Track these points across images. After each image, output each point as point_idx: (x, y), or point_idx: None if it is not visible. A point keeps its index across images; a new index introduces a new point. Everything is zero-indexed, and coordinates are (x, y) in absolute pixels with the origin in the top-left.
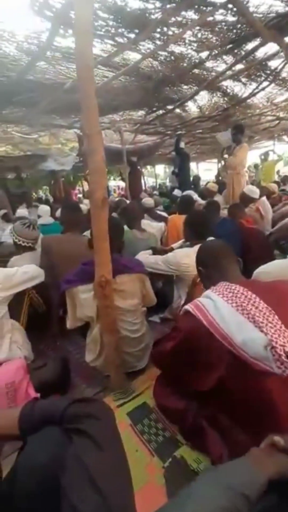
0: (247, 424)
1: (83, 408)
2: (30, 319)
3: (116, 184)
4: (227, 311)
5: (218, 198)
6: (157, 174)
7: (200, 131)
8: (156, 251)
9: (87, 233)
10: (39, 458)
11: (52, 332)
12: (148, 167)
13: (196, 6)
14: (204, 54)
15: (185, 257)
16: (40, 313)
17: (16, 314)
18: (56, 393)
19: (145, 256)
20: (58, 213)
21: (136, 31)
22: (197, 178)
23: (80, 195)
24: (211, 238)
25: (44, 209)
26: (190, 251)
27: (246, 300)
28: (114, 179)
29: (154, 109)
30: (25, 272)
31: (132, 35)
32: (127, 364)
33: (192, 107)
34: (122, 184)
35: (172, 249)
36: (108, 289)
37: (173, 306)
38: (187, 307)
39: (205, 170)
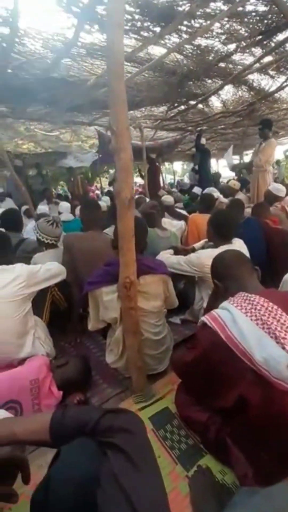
0: (271, 444)
1: (116, 421)
2: (52, 316)
3: (134, 180)
4: (246, 325)
5: (240, 196)
6: (175, 171)
7: (222, 126)
8: (177, 251)
9: (107, 231)
10: (75, 472)
11: (73, 329)
12: (166, 163)
13: None
14: (232, 47)
15: (209, 258)
16: (62, 310)
17: (39, 311)
18: (77, 391)
19: (166, 256)
20: (77, 210)
21: (162, 24)
22: (217, 175)
23: (98, 192)
24: (236, 239)
25: (65, 205)
26: (214, 252)
27: (267, 312)
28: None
29: (176, 104)
30: (48, 269)
31: (158, 29)
32: (147, 367)
33: (215, 102)
34: (139, 181)
35: (194, 249)
36: (133, 290)
37: (194, 308)
38: (204, 319)
39: (225, 167)
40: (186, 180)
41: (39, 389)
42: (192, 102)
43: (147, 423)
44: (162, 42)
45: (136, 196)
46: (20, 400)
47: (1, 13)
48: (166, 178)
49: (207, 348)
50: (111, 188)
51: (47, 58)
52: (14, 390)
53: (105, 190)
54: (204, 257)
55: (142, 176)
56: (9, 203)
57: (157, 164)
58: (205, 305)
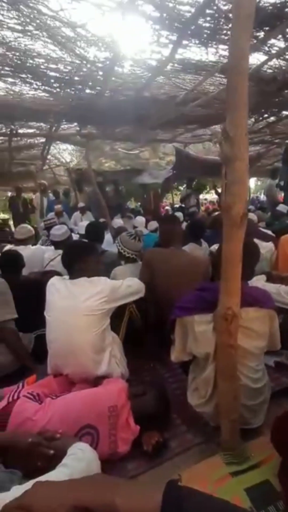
0: None
1: None
2: (126, 334)
3: (203, 197)
4: None
5: None
6: (249, 187)
7: None
8: (270, 278)
9: (186, 248)
10: None
11: (147, 351)
12: None
13: None
14: None
15: None
16: (136, 329)
17: (116, 327)
18: (153, 429)
19: (262, 283)
20: (150, 225)
21: (267, 28)
22: None
23: (168, 208)
24: None
25: (140, 220)
26: None
27: None
28: (207, 193)
29: (266, 115)
30: (129, 286)
31: (261, 34)
32: (240, 419)
33: None
34: (208, 197)
35: None
36: (234, 324)
37: None
38: None
39: None
40: (262, 197)
41: (117, 418)
42: (286, 112)
43: (243, 497)
44: (264, 47)
45: (216, 213)
46: (98, 426)
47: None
48: None
49: None
50: (182, 205)
51: (142, 77)
52: (92, 415)
53: (176, 206)
54: None
55: (217, 193)
56: (89, 216)
57: None
58: None
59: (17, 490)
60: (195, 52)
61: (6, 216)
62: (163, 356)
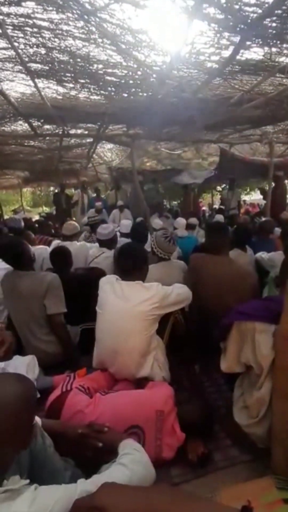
0: None
1: None
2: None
3: (242, 198)
4: None
5: None
6: None
7: None
8: None
9: (230, 254)
10: None
11: (188, 357)
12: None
13: None
14: None
15: None
16: (179, 334)
17: (161, 332)
18: (197, 439)
19: None
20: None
21: None
22: None
23: (205, 208)
24: None
25: (181, 222)
26: None
27: None
28: (250, 194)
29: None
30: (179, 294)
31: None
32: None
33: None
34: (247, 198)
35: None
36: None
37: None
38: None
39: None
40: None
41: (163, 422)
42: None
43: None
44: None
45: (263, 219)
46: (144, 428)
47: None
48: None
49: None
50: (222, 206)
51: (198, 80)
52: (140, 417)
53: (215, 207)
54: None
55: (264, 194)
56: (127, 214)
57: (285, 182)
58: None
59: (84, 484)
60: (256, 53)
61: (49, 210)
62: (204, 364)
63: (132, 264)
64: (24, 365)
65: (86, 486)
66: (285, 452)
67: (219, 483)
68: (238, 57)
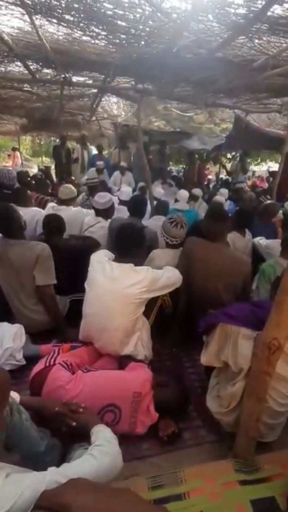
0: None
1: None
2: (155, 319)
3: (252, 168)
4: None
5: None
6: None
7: None
8: None
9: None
10: None
11: (172, 337)
12: None
13: None
14: None
15: None
16: (165, 315)
17: (147, 312)
18: (170, 419)
19: None
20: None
21: None
22: None
23: (211, 177)
24: None
25: (183, 194)
26: None
27: None
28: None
29: None
30: (169, 277)
31: None
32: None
33: None
34: (257, 169)
35: None
36: (276, 355)
37: None
38: None
39: None
40: None
41: (139, 403)
42: None
43: (247, 507)
44: None
45: (269, 201)
46: (121, 407)
47: None
48: None
49: None
50: (230, 178)
51: (219, 36)
52: (117, 396)
53: (222, 177)
54: None
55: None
56: (128, 177)
57: None
58: None
59: (53, 474)
60: None
61: (49, 161)
62: (186, 345)
63: (128, 246)
64: (11, 333)
65: (55, 476)
66: (247, 441)
67: (184, 459)
68: (269, 12)
